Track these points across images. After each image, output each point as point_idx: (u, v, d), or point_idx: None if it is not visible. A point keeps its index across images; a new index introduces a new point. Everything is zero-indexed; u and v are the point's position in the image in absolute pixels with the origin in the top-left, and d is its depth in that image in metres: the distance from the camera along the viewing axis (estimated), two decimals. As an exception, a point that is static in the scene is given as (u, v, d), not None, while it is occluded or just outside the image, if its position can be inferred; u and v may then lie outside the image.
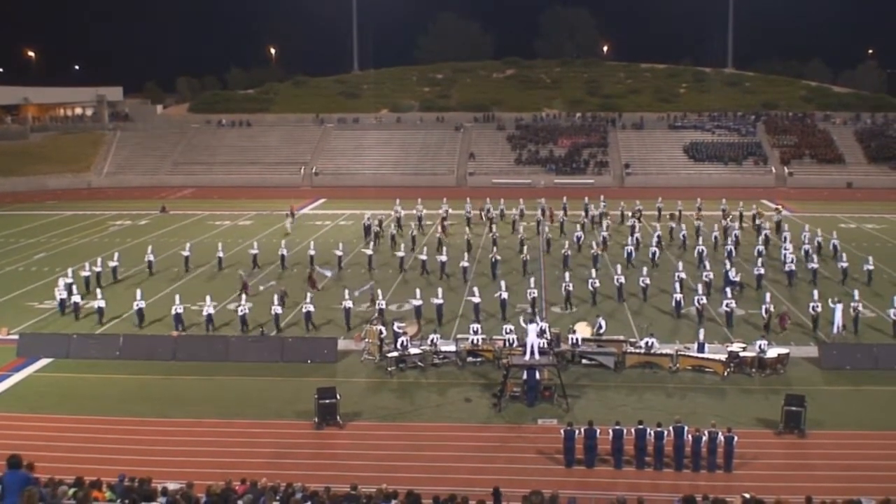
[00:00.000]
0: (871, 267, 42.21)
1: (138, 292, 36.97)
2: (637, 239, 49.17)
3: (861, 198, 74.54)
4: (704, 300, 36.41)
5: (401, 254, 46.49)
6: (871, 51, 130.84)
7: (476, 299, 36.10)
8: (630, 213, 58.40)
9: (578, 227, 53.06)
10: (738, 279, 40.67)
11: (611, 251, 49.10)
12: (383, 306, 35.74)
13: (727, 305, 35.59)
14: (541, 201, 60.71)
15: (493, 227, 54.21)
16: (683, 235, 51.03)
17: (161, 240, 54.32)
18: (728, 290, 37.02)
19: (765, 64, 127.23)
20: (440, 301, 36.18)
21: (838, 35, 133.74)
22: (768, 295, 36.58)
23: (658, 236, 49.53)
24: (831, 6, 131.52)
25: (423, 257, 45.13)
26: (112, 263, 43.74)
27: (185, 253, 46.68)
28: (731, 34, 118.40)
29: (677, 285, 38.21)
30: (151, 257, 45.44)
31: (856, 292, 36.16)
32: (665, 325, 35.50)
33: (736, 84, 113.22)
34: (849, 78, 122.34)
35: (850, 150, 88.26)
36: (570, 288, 38.58)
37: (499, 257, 44.81)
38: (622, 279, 39.82)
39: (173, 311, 35.12)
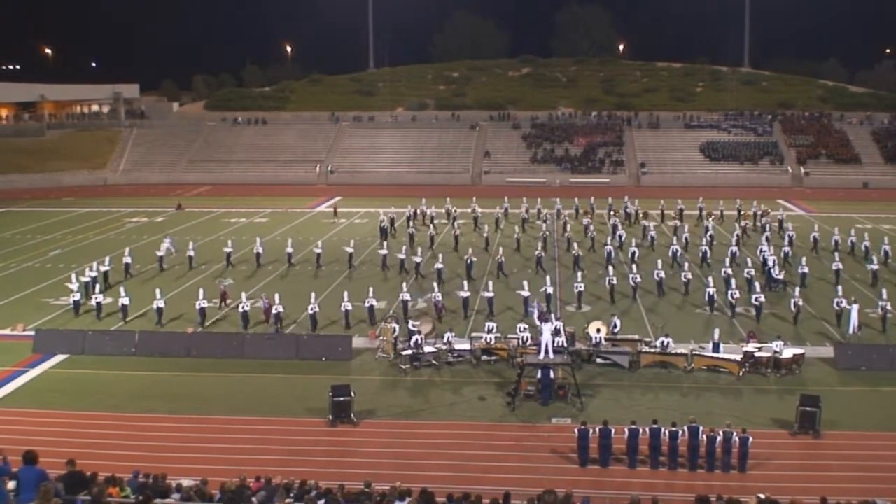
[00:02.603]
0: (876, 267, 42.51)
1: (97, 287, 38.80)
2: (686, 238, 50.19)
3: (877, 198, 74.04)
4: (738, 294, 36.71)
5: (439, 265, 43.53)
6: (888, 50, 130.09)
7: (525, 293, 36.82)
8: (673, 213, 58.54)
9: (619, 224, 53.60)
10: (781, 276, 41.07)
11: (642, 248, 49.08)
12: (439, 297, 36.48)
13: (756, 300, 35.81)
14: (574, 201, 61.52)
15: (545, 225, 54.32)
16: (738, 235, 51.07)
17: (176, 237, 54.39)
18: (756, 284, 37.34)
19: (781, 63, 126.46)
20: (491, 294, 37.01)
21: (855, 34, 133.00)
22: (797, 289, 36.98)
23: (711, 236, 49.87)
24: (848, 5, 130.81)
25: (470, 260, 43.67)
26: (104, 268, 42.68)
27: (160, 253, 46.80)
28: (747, 33, 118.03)
29: (710, 279, 38.45)
30: (128, 259, 44.86)
31: (884, 291, 36.34)
32: (690, 324, 35.49)
33: (752, 83, 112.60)
34: (866, 77, 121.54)
35: (867, 150, 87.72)
36: (615, 282, 39.41)
37: (474, 259, 44.07)
38: (662, 274, 40.32)
39: (119, 304, 36.02)
